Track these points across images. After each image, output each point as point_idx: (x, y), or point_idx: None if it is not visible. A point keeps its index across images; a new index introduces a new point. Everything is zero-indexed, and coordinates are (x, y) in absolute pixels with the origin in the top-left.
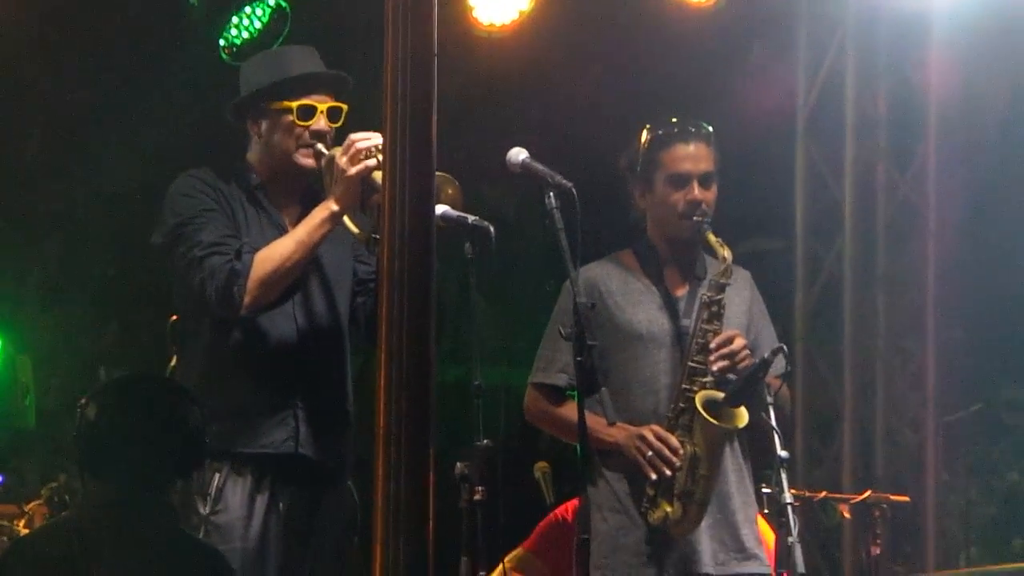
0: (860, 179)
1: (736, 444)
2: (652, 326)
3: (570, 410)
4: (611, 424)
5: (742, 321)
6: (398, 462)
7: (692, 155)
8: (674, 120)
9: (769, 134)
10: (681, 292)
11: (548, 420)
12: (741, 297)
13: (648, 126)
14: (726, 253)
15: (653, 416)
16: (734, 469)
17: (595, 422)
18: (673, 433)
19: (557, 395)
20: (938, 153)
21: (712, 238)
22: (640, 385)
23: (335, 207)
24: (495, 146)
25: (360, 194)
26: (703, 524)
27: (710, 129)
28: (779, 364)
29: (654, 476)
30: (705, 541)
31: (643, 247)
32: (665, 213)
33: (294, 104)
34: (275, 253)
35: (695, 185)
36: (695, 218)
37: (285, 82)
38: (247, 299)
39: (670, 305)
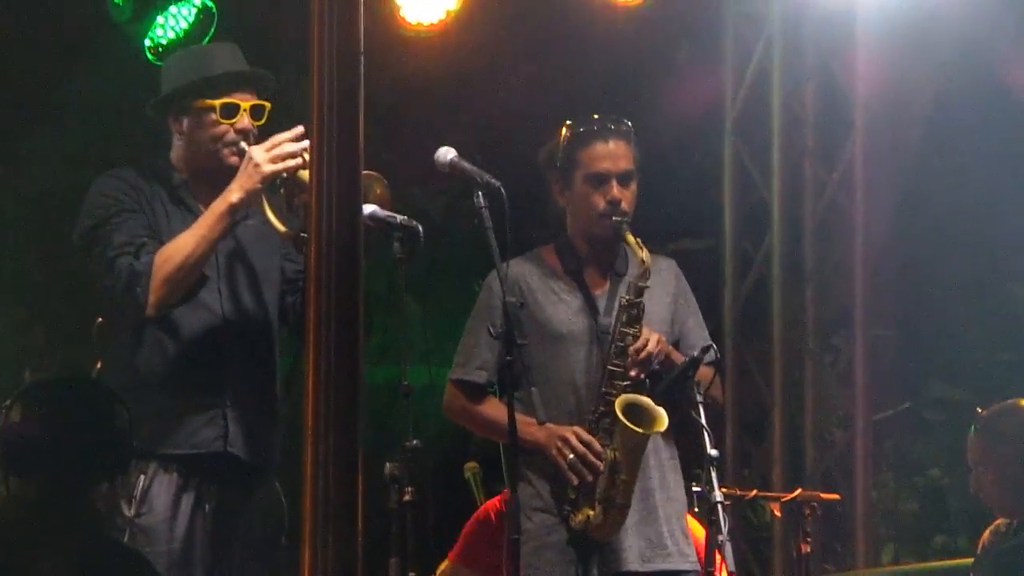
0: (788, 177)
1: (659, 441)
2: (571, 325)
3: (491, 407)
4: (541, 424)
5: (664, 314)
6: (326, 460)
7: (611, 153)
8: (594, 117)
9: (697, 133)
10: (601, 290)
11: (468, 417)
12: (665, 289)
13: (568, 122)
14: (644, 255)
15: (575, 415)
16: (656, 466)
17: (519, 421)
18: (595, 436)
19: (477, 392)
20: (865, 151)
21: (631, 239)
22: (560, 384)
23: (233, 199)
24: (423, 145)
25: (261, 191)
26: (629, 522)
27: (630, 126)
28: (709, 353)
29: (575, 481)
30: (631, 539)
31: (563, 244)
32: (584, 211)
33: (217, 102)
34: (176, 251)
35: (614, 184)
36: (614, 218)
37: (208, 80)
38: (152, 298)
39: (590, 304)
